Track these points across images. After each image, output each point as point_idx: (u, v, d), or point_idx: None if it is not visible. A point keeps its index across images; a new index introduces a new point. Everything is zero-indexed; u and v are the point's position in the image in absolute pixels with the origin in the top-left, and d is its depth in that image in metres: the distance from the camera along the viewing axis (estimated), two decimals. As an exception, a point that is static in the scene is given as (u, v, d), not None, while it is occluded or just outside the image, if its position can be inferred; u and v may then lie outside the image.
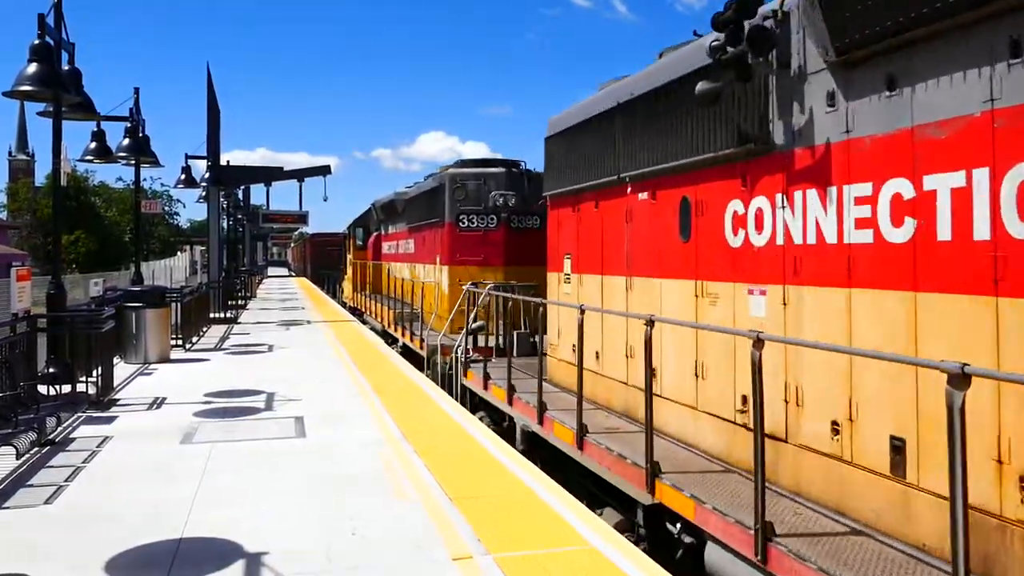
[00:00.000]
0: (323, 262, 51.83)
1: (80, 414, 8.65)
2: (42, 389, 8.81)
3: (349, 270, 31.10)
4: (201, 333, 17.23)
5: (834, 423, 5.05)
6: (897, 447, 4.52)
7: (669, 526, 5.77)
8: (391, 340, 18.35)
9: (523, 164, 15.75)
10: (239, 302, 25.95)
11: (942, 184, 4.31)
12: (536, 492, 5.84)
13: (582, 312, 7.23)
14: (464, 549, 4.70)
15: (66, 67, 10.67)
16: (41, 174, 47.65)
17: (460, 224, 15.16)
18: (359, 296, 27.04)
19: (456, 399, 10.62)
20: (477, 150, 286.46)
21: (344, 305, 30.31)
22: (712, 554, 5.10)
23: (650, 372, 6.07)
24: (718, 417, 6.26)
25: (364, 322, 22.91)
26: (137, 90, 15.80)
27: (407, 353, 15.79)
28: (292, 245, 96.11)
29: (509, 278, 13.59)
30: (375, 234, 27.38)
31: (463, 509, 5.42)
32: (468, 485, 6.02)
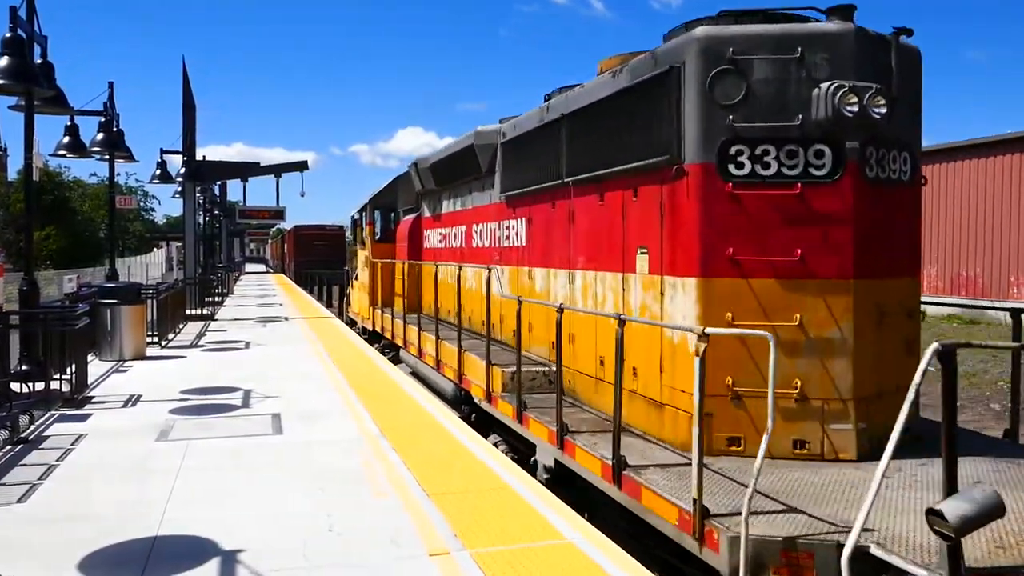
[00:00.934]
0: (309, 259, 45.15)
1: (53, 412, 8.57)
2: (15, 387, 8.73)
3: (363, 274, 19.06)
4: (177, 330, 17.09)
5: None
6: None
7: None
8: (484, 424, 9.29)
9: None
10: (216, 299, 25.74)
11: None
12: (513, 487, 5.86)
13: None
14: (441, 545, 4.71)
15: (39, 60, 10.52)
16: (13, 169, 46.94)
17: (732, 170, 5.81)
18: (382, 316, 16.32)
19: None
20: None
21: (352, 324, 20.74)
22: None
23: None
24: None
25: (397, 360, 14.30)
26: (111, 84, 15.63)
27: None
28: (270, 241, 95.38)
29: (870, 300, 5.84)
30: (411, 218, 16.72)
31: (440, 505, 5.43)
32: (446, 481, 6.03)
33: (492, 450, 7.09)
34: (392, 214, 18.77)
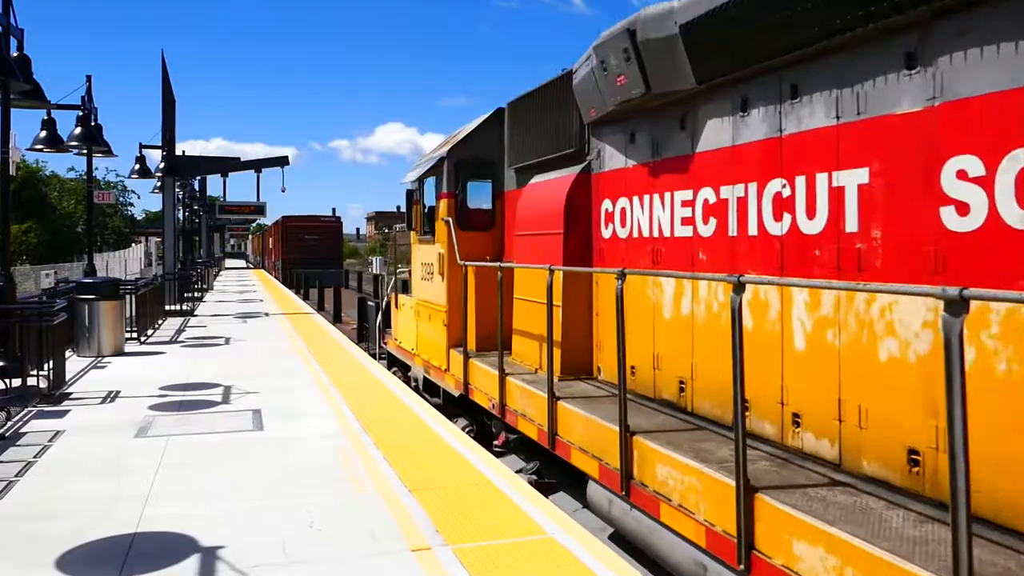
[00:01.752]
0: (299, 256, 39.06)
1: (31, 408, 8.48)
2: (-9, 383, 8.63)
3: (428, 285, 11.23)
4: (156, 326, 16.96)
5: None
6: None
7: None
8: None
9: None
10: (195, 294, 25.58)
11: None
12: (494, 482, 5.87)
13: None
14: (423, 541, 4.71)
15: (15, 53, 10.40)
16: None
17: None
18: (497, 377, 8.11)
19: None
20: (437, 141, 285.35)
21: (391, 364, 13.81)
22: None
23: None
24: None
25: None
26: (89, 78, 15.46)
27: None
28: (251, 236, 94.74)
29: None
30: (553, 179, 8.45)
31: (422, 500, 5.43)
32: (427, 476, 6.03)
33: (474, 445, 7.09)
34: (491, 175, 10.56)
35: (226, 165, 27.63)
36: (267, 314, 20.68)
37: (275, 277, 41.86)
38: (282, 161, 27.11)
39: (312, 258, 38.93)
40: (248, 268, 67.22)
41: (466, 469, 6.27)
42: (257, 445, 7.06)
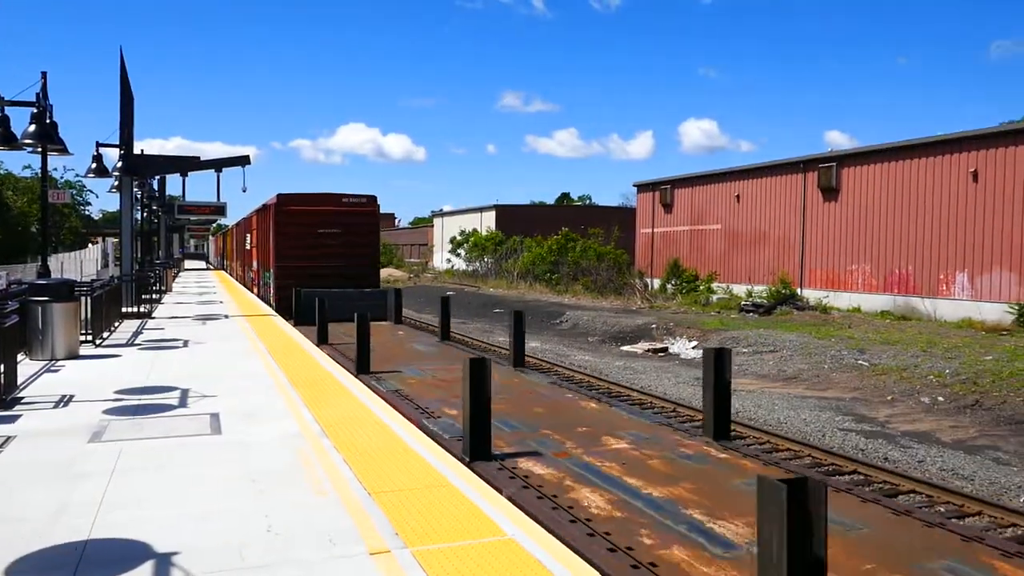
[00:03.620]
0: (312, 266, 22.41)
1: (-20, 413, 8.28)
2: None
3: None
4: (112, 328, 16.66)
5: None
6: None
7: None
8: None
9: None
10: (154, 296, 25.17)
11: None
12: (456, 485, 5.86)
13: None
14: (382, 543, 4.69)
15: (-36, 50, 10.16)
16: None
17: None
18: None
19: None
20: (399, 142, 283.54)
21: None
22: None
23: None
24: None
25: None
26: (44, 74, 15.10)
27: None
28: (211, 236, 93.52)
29: None
30: None
31: (382, 503, 5.41)
32: (387, 479, 6.01)
33: (436, 448, 7.08)
34: None
35: (185, 164, 27.18)
36: (227, 316, 20.42)
37: (259, 296, 27.33)
38: (243, 160, 26.73)
39: (333, 269, 22.67)
40: (208, 269, 66.32)
41: (427, 471, 6.25)
42: (215, 449, 6.97)
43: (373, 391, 10.03)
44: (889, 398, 16.62)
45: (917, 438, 13.49)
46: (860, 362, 19.44)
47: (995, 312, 24.77)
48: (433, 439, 7.51)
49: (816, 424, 14.28)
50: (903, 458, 12.09)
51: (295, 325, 18.93)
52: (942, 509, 9.34)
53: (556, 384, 11.84)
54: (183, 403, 8.97)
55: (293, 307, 21.19)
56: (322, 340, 16.10)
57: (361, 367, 12.44)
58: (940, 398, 16.04)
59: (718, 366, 8.17)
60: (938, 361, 18.33)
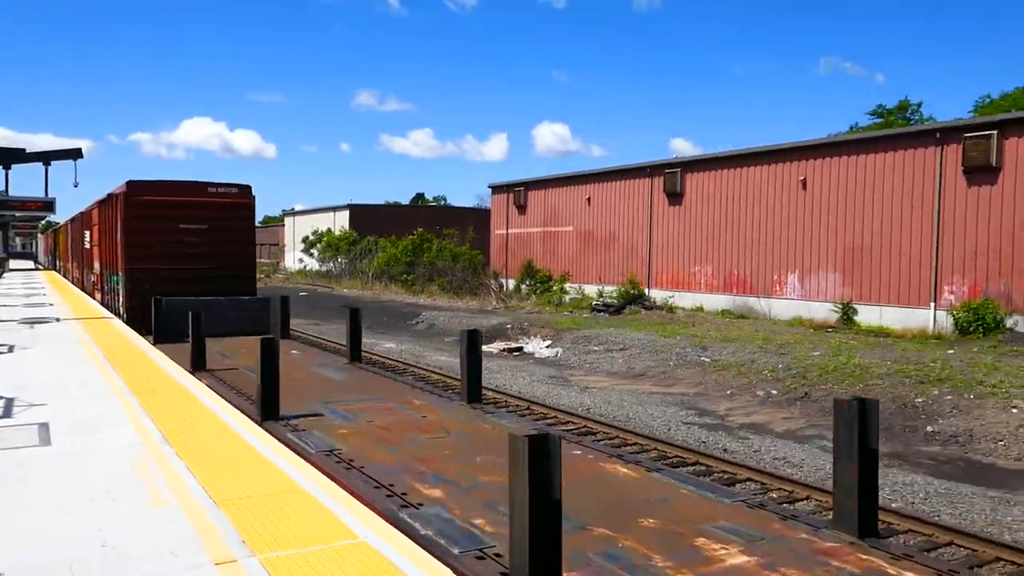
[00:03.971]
0: (171, 268, 18.75)
1: None
2: None
3: None
4: (-76, 333, 15.20)
5: None
6: None
7: None
8: None
9: None
10: (-27, 298, 23.14)
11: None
12: (307, 489, 5.74)
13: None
14: (228, 553, 4.52)
15: None
16: None
17: None
18: None
19: None
20: (248, 138, 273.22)
21: None
22: None
23: None
24: None
25: None
26: None
27: None
28: (40, 234, 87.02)
29: None
30: None
31: (228, 511, 5.22)
32: (235, 486, 5.80)
33: (287, 452, 6.90)
34: None
35: (10, 156, 25.17)
36: (59, 319, 19.07)
37: (104, 304, 23.65)
38: (75, 153, 25.01)
39: (199, 272, 19.06)
40: (37, 270, 61.68)
41: (278, 477, 6.08)
42: (42, 461, 6.50)
43: (297, 452, 7.40)
44: (729, 393, 17.59)
45: (753, 429, 14.34)
46: (703, 359, 20.45)
47: (822, 310, 26.69)
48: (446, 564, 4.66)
49: (663, 419, 14.91)
50: (740, 448, 12.82)
51: (155, 343, 15.31)
52: (774, 496, 9.97)
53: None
54: (7, 414, 8.29)
55: (153, 321, 17.25)
56: (198, 366, 13.16)
57: (267, 412, 9.50)
58: (774, 392, 17.12)
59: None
60: (772, 357, 19.55)
